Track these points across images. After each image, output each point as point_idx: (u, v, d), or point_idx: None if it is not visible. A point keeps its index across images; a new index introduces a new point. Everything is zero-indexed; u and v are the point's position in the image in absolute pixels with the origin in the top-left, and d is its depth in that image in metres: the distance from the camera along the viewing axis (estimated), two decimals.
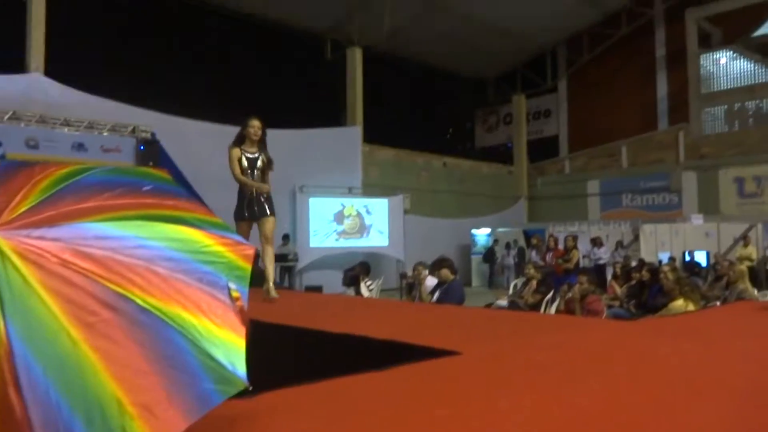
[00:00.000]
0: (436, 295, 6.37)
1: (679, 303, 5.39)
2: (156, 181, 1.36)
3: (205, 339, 1.10)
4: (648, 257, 13.49)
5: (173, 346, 1.06)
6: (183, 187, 1.45)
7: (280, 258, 12.68)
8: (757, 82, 16.25)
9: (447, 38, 18.66)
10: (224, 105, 14.06)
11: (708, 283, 7.87)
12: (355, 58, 16.55)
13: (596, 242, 14.85)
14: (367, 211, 15.33)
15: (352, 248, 14.63)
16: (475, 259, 17.94)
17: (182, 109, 12.48)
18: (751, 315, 3.94)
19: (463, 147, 23.61)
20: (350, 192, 15.29)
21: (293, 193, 14.35)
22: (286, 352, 3.37)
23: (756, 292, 6.99)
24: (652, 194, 17.94)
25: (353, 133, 16.01)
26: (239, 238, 1.32)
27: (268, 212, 4.62)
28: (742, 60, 16.61)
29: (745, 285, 6.77)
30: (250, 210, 4.56)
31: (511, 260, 16.91)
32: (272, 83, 16.16)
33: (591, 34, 19.80)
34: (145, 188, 1.30)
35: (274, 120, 14.33)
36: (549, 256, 10.07)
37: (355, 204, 15.13)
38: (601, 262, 14.56)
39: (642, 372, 2.17)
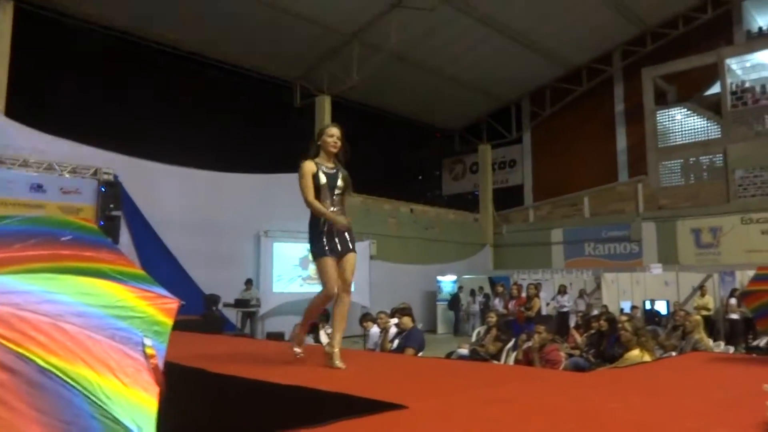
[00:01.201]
0: (396, 342, 6.30)
1: (635, 353, 5.41)
2: (77, 230, 1.32)
3: (112, 401, 1.04)
4: (610, 305, 13.64)
5: (74, 409, 1.00)
6: (136, 233, 1.40)
7: (241, 303, 12.43)
8: (710, 137, 16.95)
9: (415, 90, 19.13)
10: (192, 149, 14.03)
11: (666, 332, 7.95)
12: (324, 105, 16.77)
13: (560, 290, 15.01)
14: None
15: (316, 294, 14.42)
16: (441, 306, 17.87)
17: (148, 152, 12.37)
18: (701, 367, 3.97)
19: (430, 194, 23.88)
20: None
21: (257, 237, 14.21)
22: (232, 405, 3.26)
23: (711, 342, 7.08)
24: (614, 243, 18.30)
25: None
26: (162, 290, 1.27)
27: (351, 246, 3.69)
28: (695, 117, 17.34)
29: (701, 335, 6.86)
30: (331, 243, 3.59)
31: (476, 307, 16.90)
32: (242, 128, 16.21)
33: (554, 89, 20.52)
34: (64, 238, 1.25)
35: (241, 164, 14.36)
36: (512, 304, 10.09)
37: None
38: (565, 309, 14.69)
39: (589, 428, 2.14)
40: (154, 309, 1.21)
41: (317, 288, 13.12)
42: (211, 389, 3.23)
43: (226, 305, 12.04)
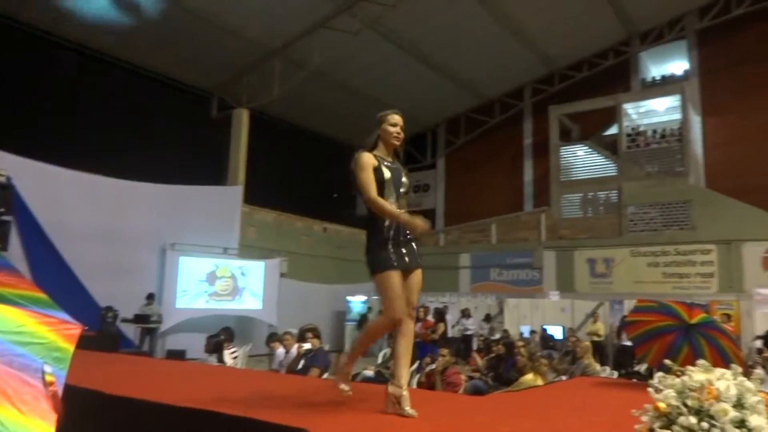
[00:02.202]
0: (302, 363, 6.30)
1: (528, 377, 5.74)
2: None
3: (9, 430, 1.03)
4: (512, 329, 14.28)
5: None
6: (35, 248, 1.38)
7: (141, 319, 11.91)
8: (607, 175, 18.24)
9: (336, 109, 19.29)
10: (96, 154, 13.37)
11: (558, 357, 8.44)
12: (242, 118, 16.55)
13: (465, 313, 15.53)
14: (242, 273, 14.94)
15: (222, 311, 14.08)
16: (350, 326, 17.91)
17: (46, 155, 11.67)
18: (586, 391, 4.29)
19: (345, 214, 24.00)
20: (225, 252, 14.87)
21: (163, 250, 13.70)
22: (130, 429, 3.15)
23: (599, 367, 7.59)
24: (517, 270, 19.16)
25: (233, 193, 15.75)
26: (64, 316, 1.27)
27: (419, 261, 3.07)
28: (595, 155, 18.62)
29: (590, 360, 7.34)
30: (398, 252, 2.95)
31: None
32: (152, 136, 15.63)
33: (468, 119, 21.38)
34: None
35: (149, 173, 13.84)
36: (418, 327, 10.35)
37: (229, 265, 14.71)
38: (469, 332, 15.21)
39: None
40: (55, 335, 1.20)
41: (223, 304, 12.77)
42: (109, 412, 3.11)
43: (124, 320, 11.49)
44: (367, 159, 3.04)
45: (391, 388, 2.89)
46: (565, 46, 18.20)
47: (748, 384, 2.28)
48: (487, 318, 15.52)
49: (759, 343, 8.71)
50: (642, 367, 7.55)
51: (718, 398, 2.17)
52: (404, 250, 2.99)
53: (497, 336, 12.86)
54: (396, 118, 3.19)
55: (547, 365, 6.24)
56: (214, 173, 16.42)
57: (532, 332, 14.01)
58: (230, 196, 15.65)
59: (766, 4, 16.02)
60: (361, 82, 18.12)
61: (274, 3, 14.15)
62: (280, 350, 7.02)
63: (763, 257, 15.17)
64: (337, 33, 14.77)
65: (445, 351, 5.97)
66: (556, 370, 7.08)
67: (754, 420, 2.12)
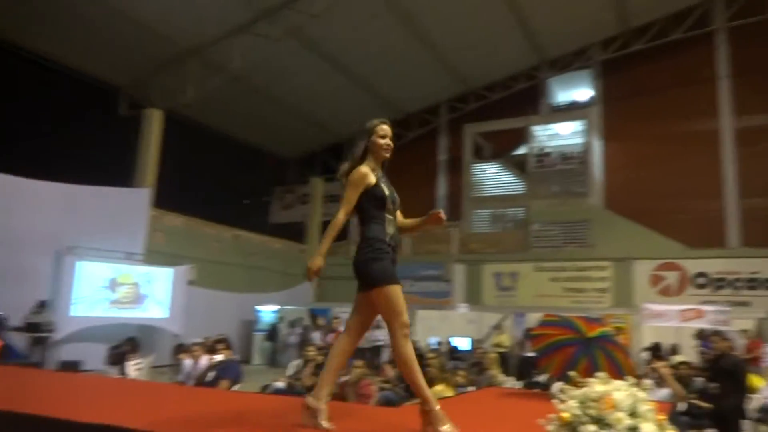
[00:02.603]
0: (212, 374, 6.11)
1: (438, 388, 5.88)
2: None
3: None
4: (421, 341, 14.54)
5: None
6: None
7: (32, 327, 11.10)
8: (515, 192, 19.08)
9: (254, 114, 19.00)
10: None
11: (466, 367, 8.69)
12: (153, 118, 15.89)
13: (378, 325, 15.63)
14: (147, 280, 14.28)
15: (124, 319, 13.36)
16: (258, 336, 17.55)
17: None
18: (492, 401, 4.45)
19: (257, 221, 23.55)
20: (129, 258, 14.15)
21: (59, 254, 12.82)
22: None
23: (503, 377, 7.90)
24: (428, 282, 19.55)
25: (141, 196, 15.04)
26: None
27: None
28: (505, 173, 19.46)
29: (495, 371, 7.63)
30: (394, 269, 2.95)
31: (294, 339, 16.88)
32: (52, 130, 14.66)
33: None
34: None
35: (49, 171, 12.95)
36: (331, 337, 10.30)
37: (133, 272, 14.01)
38: (379, 343, 15.30)
39: None
40: None
41: (125, 313, 12.05)
42: None
43: (15, 329, 10.65)
44: (364, 175, 2.95)
45: (309, 400, 2.89)
46: (480, 68, 18.93)
47: (641, 394, 2.47)
48: None
49: (646, 355, 9.39)
50: (542, 378, 7.92)
51: (615, 407, 2.34)
52: (394, 268, 2.95)
53: None
54: (386, 129, 3.11)
55: (464, 377, 6.43)
56: (120, 174, 15.62)
57: (440, 343, 14.33)
58: (137, 198, 14.93)
59: (660, 43, 17.45)
60: (280, 89, 17.95)
61: (194, 2, 13.76)
62: (188, 361, 6.76)
63: (651, 274, 16.42)
64: (258, 38, 14.57)
65: (359, 362, 6.00)
66: (463, 381, 7.28)
67: (645, 427, 2.31)
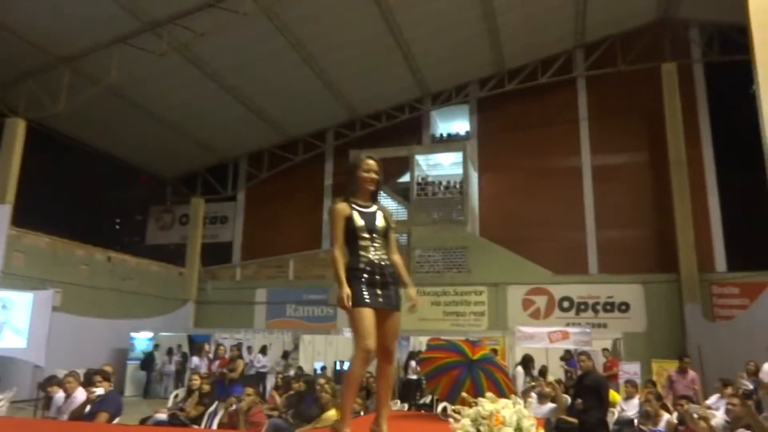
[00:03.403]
0: (89, 408, 5.78)
1: (331, 413, 6.00)
2: None
3: None
4: (305, 365, 14.53)
5: None
6: None
7: None
8: (399, 219, 19.73)
9: (130, 130, 18.12)
10: None
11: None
12: (17, 129, 14.65)
13: (262, 350, 15.41)
14: (3, 306, 13.00)
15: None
16: (132, 366, 16.53)
17: None
18: (388, 423, 4.65)
19: (131, 242, 22.32)
20: None
21: None
22: None
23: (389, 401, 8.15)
24: (313, 306, 19.58)
25: None
26: None
27: (396, 303, 3.17)
28: (389, 199, 20.02)
29: None
30: (372, 293, 3.06)
31: (172, 368, 16.13)
32: None
33: (271, 154, 21.58)
34: None
35: None
36: (215, 365, 10.02)
37: None
38: (264, 370, 15.08)
39: None
40: None
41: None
42: None
43: None
44: (341, 210, 3.20)
45: (374, 427, 3.11)
46: (366, 97, 19.53)
47: (524, 411, 2.81)
48: (285, 355, 15.56)
49: (520, 369, 10.11)
50: (426, 399, 8.28)
51: (504, 423, 2.65)
52: (379, 291, 3.09)
53: (291, 372, 12.99)
54: (370, 164, 3.30)
55: (359, 403, 6.57)
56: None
57: (323, 368, 14.41)
58: None
59: (530, 85, 19.07)
60: (161, 105, 17.32)
61: (67, 7, 12.98)
62: (59, 395, 6.33)
63: (523, 299, 17.67)
64: (139, 52, 14.01)
65: (250, 390, 5.96)
66: (357, 408, 7.45)
67: None
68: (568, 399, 7.43)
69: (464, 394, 3.41)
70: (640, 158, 18.16)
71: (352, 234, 3.18)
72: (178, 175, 22.24)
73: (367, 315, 3.01)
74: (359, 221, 3.18)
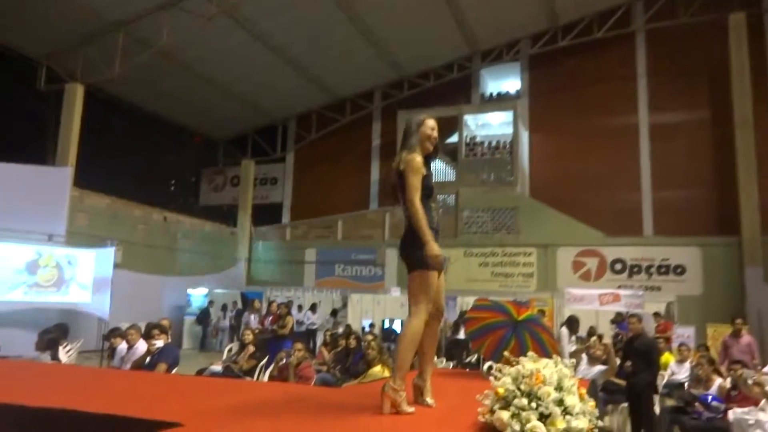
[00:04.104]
0: (149, 359, 6.11)
1: (377, 369, 6.15)
2: None
3: None
4: (354, 323, 14.85)
5: None
6: None
7: None
8: (447, 180, 19.61)
9: (183, 93, 18.48)
10: None
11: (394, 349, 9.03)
12: (76, 94, 15.18)
13: (312, 308, 15.84)
14: (69, 263, 13.74)
15: (45, 304, 12.85)
16: (189, 320, 17.32)
17: None
18: (431, 380, 4.75)
19: (186, 203, 23.03)
20: (50, 240, 13.58)
21: None
22: None
23: (436, 359, 8.29)
24: (361, 266, 19.88)
25: (62, 175, 14.41)
26: None
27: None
28: (438, 160, 19.92)
29: None
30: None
31: (226, 323, 16.80)
32: None
33: (319, 115, 21.67)
34: None
35: None
36: (268, 321, 10.34)
37: (54, 253, 13.46)
38: (314, 327, 15.53)
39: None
40: None
41: (46, 296, 11.62)
42: None
43: None
44: (420, 164, 3.10)
45: (417, 381, 3.18)
46: (414, 56, 19.23)
47: (565, 370, 2.81)
48: (333, 312, 15.96)
49: (564, 330, 10.10)
50: (472, 358, 8.37)
51: (544, 383, 2.66)
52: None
53: (340, 330, 13.32)
54: (433, 123, 3.27)
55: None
56: (40, 152, 14.90)
57: (372, 326, 14.70)
58: (58, 177, 14.30)
59: (586, 40, 18.31)
60: (211, 68, 17.56)
61: None
62: (122, 346, 6.71)
63: (573, 260, 17.41)
64: (189, 15, 14.17)
65: (300, 345, 6.17)
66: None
67: (569, 399, 2.64)
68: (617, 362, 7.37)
69: (507, 353, 3.43)
70: (701, 116, 17.31)
71: (427, 192, 3.14)
72: (229, 137, 22.68)
73: (435, 277, 3.10)
74: (430, 182, 3.17)
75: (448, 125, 19.38)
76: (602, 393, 6.85)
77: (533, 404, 2.58)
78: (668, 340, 11.22)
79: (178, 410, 2.88)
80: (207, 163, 23.56)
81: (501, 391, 2.69)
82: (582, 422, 2.55)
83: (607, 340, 11.39)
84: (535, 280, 17.59)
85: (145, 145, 20.40)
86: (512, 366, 2.81)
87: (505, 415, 2.59)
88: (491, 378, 2.83)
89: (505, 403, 2.66)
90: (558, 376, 2.71)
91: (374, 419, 2.82)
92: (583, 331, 11.58)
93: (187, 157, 23.56)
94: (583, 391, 2.78)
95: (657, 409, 6.56)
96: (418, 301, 3.09)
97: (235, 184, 22.79)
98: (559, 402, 2.60)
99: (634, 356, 6.65)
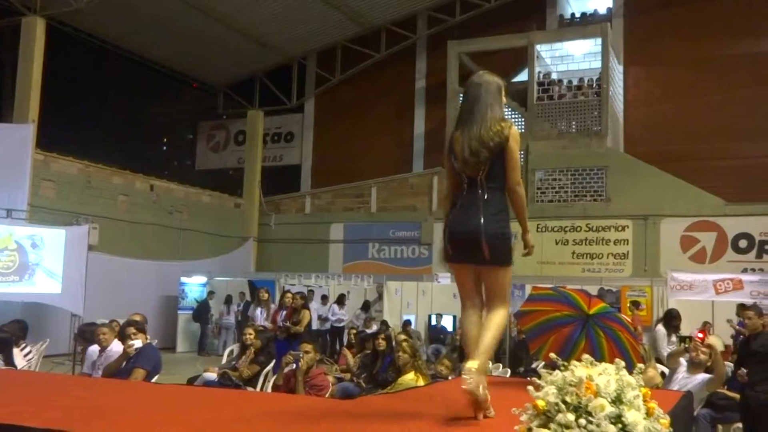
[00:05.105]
0: (124, 364, 6.35)
1: (409, 377, 6.25)
2: None
3: None
4: (392, 319, 14.99)
5: None
6: None
7: None
8: None
9: (171, 27, 18.72)
10: None
11: (444, 353, 9.12)
12: (35, 31, 15.52)
13: (339, 300, 16.05)
14: (33, 245, 14.26)
15: (4, 296, 13.42)
16: (184, 316, 17.79)
17: None
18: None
19: (178, 167, 23.51)
20: (9, 216, 14.10)
21: None
22: None
23: (491, 365, 8.34)
24: (402, 245, 19.97)
25: (21, 134, 14.85)
26: None
27: None
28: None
29: None
30: None
31: (231, 319, 17.18)
32: None
33: (346, 51, 21.61)
34: None
35: None
36: (282, 316, 10.49)
37: (14, 233, 13.98)
38: (341, 324, 15.75)
39: None
40: None
41: (7, 288, 12.07)
42: None
43: None
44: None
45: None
46: None
47: (629, 378, 2.80)
48: (365, 306, 16.11)
49: (661, 328, 9.99)
50: (541, 365, 8.36)
51: (597, 394, 2.67)
52: None
53: (374, 328, 13.49)
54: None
55: (448, 366, 6.84)
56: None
57: (407, 323, 14.82)
58: (16, 137, 14.75)
59: None
60: None
61: None
62: (94, 347, 6.99)
63: (682, 236, 17.07)
64: None
65: (308, 346, 6.27)
66: (439, 368, 7.67)
67: (630, 415, 2.64)
68: (730, 368, 7.26)
69: (552, 355, 3.44)
70: None
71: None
72: (231, 82, 22.87)
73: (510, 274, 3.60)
74: None
75: (516, 59, 19.14)
76: (707, 409, 6.77)
77: (581, 421, 2.60)
78: None
79: (144, 426, 3.01)
80: (204, 115, 23.88)
81: (542, 404, 2.71)
82: None
83: (725, 342, 11.22)
84: (631, 263, 17.34)
85: (126, 95, 20.84)
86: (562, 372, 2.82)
87: None
88: (530, 388, 2.86)
89: (546, 419, 2.68)
90: (617, 385, 2.71)
91: None
92: (693, 329, 11.43)
93: (178, 109, 23.99)
94: (654, 405, 2.77)
95: None
96: (506, 297, 3.60)
97: (240, 142, 23.08)
98: (616, 419, 2.61)
99: (751, 361, 6.54)
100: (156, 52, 20.20)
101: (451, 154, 3.53)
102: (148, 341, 6.64)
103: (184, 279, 18.05)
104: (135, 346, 6.37)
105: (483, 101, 3.51)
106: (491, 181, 3.45)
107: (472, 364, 3.25)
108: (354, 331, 10.73)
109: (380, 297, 16.37)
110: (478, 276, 3.57)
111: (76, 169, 16.72)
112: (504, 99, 3.66)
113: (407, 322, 14.80)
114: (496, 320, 3.49)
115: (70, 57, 16.89)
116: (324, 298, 16.28)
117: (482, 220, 3.39)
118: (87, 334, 7.81)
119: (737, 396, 6.72)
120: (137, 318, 6.98)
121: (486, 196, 3.43)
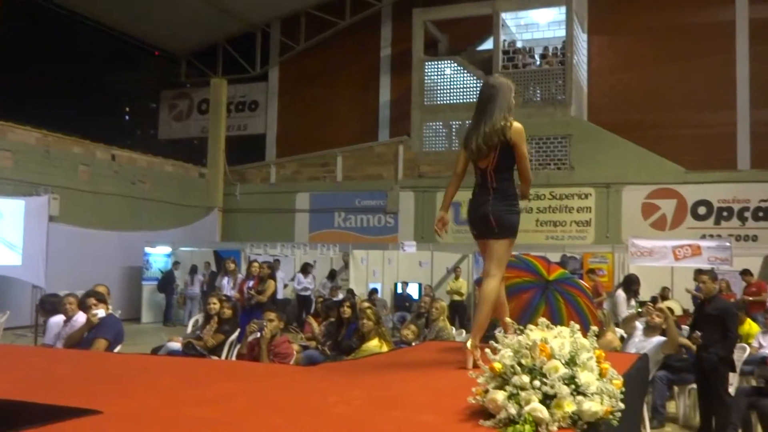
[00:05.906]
0: (86, 334, 6.32)
1: (373, 344, 6.31)
2: None
3: None
4: (358, 288, 15.07)
5: None
6: None
7: None
8: (475, 99, 19.46)
9: None
10: None
11: (410, 320, 9.21)
12: None
13: (304, 269, 16.07)
14: None
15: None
16: (148, 287, 17.69)
17: None
18: (434, 356, 4.87)
19: (141, 136, 23.20)
20: None
21: None
22: None
23: (454, 331, 8.45)
24: (368, 214, 20.01)
25: None
26: None
27: None
28: (465, 74, 19.69)
29: (444, 323, 8.15)
30: None
31: (196, 289, 17.12)
32: None
33: (311, 17, 21.38)
34: None
35: None
36: (248, 285, 10.49)
37: None
38: (307, 293, 15.80)
39: (303, 424, 2.66)
40: None
41: None
42: None
43: None
44: None
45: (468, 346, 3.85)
46: None
47: (583, 341, 2.87)
48: (332, 275, 16.19)
49: (621, 293, 10.22)
50: (498, 330, 8.51)
51: (551, 356, 2.72)
52: None
53: (340, 297, 13.55)
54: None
55: (414, 332, 6.97)
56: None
57: (373, 291, 14.89)
58: None
59: None
60: None
61: None
62: (56, 318, 6.94)
63: (643, 203, 17.35)
64: None
65: (272, 315, 6.30)
66: (406, 334, 7.76)
67: (583, 376, 2.70)
68: (685, 331, 7.45)
69: (508, 320, 3.51)
70: None
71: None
72: (194, 49, 22.55)
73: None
74: None
75: (481, 27, 19.13)
76: (664, 371, 6.97)
77: (536, 383, 2.65)
78: (761, 305, 11.27)
79: (101, 396, 3.01)
80: (166, 84, 23.54)
81: (498, 366, 2.76)
82: (596, 404, 2.62)
83: (687, 305, 11.49)
84: (594, 230, 17.62)
85: (85, 62, 20.41)
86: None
87: (500, 395, 2.66)
88: (488, 351, 2.91)
89: (503, 381, 2.73)
90: (571, 347, 2.77)
91: (341, 400, 2.93)
92: (652, 293, 11.68)
93: (140, 77, 23.59)
94: (607, 366, 2.84)
95: (732, 390, 6.67)
96: (502, 265, 4.14)
97: (204, 111, 22.83)
98: (570, 379, 2.67)
99: (705, 324, 6.72)
100: (115, 19, 19.80)
101: (465, 147, 4.04)
102: (111, 312, 6.61)
103: (148, 249, 17.90)
104: (99, 315, 6.34)
105: (494, 102, 3.95)
106: (499, 172, 3.98)
107: (469, 343, 3.82)
108: (321, 300, 10.76)
109: (346, 266, 16.43)
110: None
111: (33, 138, 16.41)
112: (513, 100, 4.07)
113: (373, 291, 14.88)
114: (487, 292, 3.98)
115: (24, 23, 16.46)
116: (293, 268, 16.24)
117: (490, 205, 3.99)
118: (48, 305, 7.73)
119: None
120: (101, 289, 6.92)
121: (495, 185, 3.99)
